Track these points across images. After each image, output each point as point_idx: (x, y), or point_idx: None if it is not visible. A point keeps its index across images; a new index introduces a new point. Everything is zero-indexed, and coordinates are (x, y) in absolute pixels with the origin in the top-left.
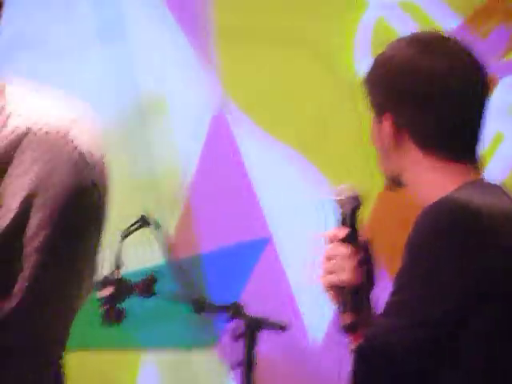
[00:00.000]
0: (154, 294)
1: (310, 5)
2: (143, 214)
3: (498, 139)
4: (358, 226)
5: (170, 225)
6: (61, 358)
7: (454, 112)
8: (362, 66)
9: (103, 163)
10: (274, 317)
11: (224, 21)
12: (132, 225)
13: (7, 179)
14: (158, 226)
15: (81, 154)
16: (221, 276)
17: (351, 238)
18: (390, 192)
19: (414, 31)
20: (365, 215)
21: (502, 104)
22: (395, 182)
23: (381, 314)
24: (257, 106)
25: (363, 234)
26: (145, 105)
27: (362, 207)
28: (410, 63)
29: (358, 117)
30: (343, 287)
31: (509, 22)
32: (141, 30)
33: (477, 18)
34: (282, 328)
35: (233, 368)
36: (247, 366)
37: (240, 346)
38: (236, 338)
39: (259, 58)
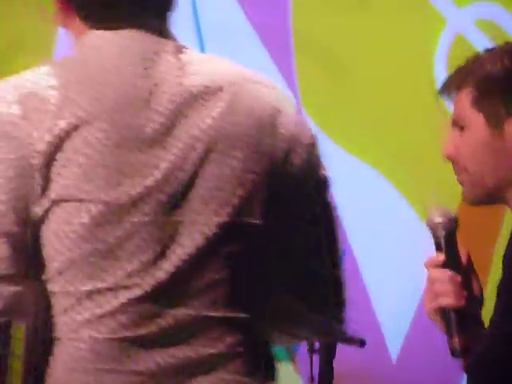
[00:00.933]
0: None
1: (392, 25)
2: None
3: None
4: (456, 248)
5: None
6: None
7: None
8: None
9: None
10: (352, 329)
11: (303, 34)
12: None
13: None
14: None
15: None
16: None
17: (450, 262)
18: (471, 207)
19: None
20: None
21: None
22: (492, 197)
23: (496, 319)
24: (333, 121)
25: (462, 254)
26: None
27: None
28: None
29: (435, 133)
30: (448, 312)
31: None
32: (218, 37)
33: None
34: (361, 344)
35: (310, 382)
36: (324, 381)
37: (317, 360)
38: (313, 351)
39: (337, 73)
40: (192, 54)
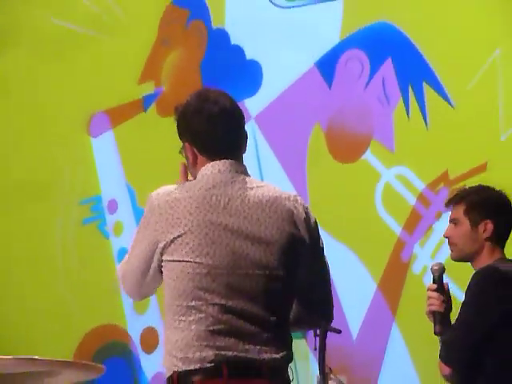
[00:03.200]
0: None
1: (349, 179)
2: None
3: None
4: (443, 282)
5: None
6: None
7: None
8: (382, 213)
9: None
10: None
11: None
12: None
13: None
14: None
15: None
16: None
17: (439, 289)
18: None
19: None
20: None
21: None
22: (465, 259)
23: (452, 326)
24: (328, 220)
25: (445, 285)
26: None
27: (445, 271)
28: None
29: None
30: (435, 312)
31: (448, 186)
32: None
33: (433, 184)
34: (339, 332)
35: (314, 350)
36: (322, 350)
37: (317, 339)
38: (316, 334)
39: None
40: (252, 182)
